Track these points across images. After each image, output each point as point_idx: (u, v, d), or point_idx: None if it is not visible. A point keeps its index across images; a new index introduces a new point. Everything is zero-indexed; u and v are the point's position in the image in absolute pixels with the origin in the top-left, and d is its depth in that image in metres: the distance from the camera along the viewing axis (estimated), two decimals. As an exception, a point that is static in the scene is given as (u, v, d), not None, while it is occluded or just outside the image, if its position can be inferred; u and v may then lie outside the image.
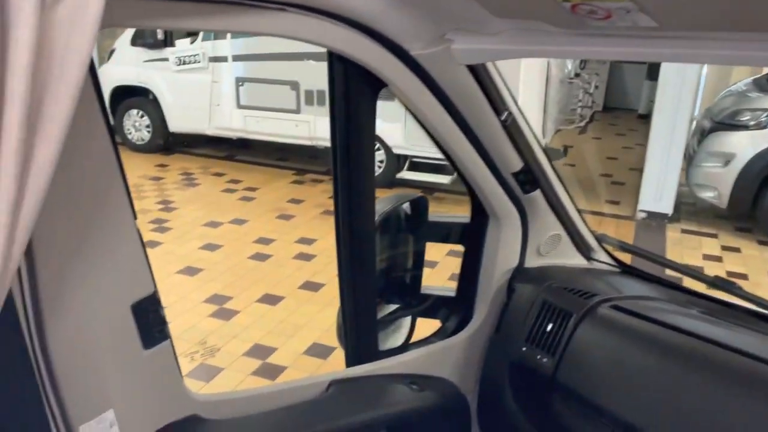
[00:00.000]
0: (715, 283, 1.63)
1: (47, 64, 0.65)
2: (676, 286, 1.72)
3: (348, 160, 1.42)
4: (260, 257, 5.43)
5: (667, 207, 6.47)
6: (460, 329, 1.78)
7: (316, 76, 7.09)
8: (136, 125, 8.45)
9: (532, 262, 1.76)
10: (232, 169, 8.09)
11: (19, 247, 0.68)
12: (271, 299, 4.66)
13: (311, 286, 4.87)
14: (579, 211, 1.78)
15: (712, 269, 5.38)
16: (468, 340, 1.75)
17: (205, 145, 8.82)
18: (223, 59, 7.63)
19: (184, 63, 7.81)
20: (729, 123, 6.26)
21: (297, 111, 7.42)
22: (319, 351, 3.97)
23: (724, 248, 5.93)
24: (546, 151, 1.65)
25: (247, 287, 4.84)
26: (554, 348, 1.53)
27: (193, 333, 4.12)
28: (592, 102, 8.71)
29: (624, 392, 1.41)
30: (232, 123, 7.83)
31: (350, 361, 1.66)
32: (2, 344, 0.96)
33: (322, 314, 4.42)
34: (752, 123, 6.12)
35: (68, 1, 0.66)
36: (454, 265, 5.41)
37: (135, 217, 1.12)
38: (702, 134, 6.50)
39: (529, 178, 1.60)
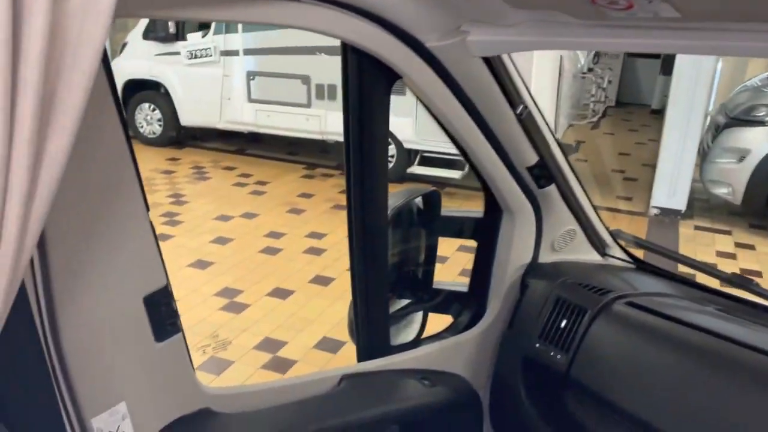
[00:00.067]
0: (732, 279, 1.61)
1: (60, 54, 0.64)
2: (691, 283, 1.70)
3: (361, 153, 1.41)
4: (271, 251, 5.43)
5: (680, 203, 6.41)
6: (473, 325, 1.76)
7: (327, 70, 7.08)
8: (148, 119, 8.47)
9: (546, 257, 1.74)
10: (242, 163, 8.10)
11: (32, 238, 0.67)
12: (281, 293, 4.66)
13: (321, 281, 4.87)
14: (594, 207, 1.76)
15: (725, 266, 5.32)
16: (480, 335, 1.74)
17: (216, 138, 8.83)
18: (235, 53, 7.63)
19: (196, 57, 7.82)
20: (744, 118, 6.19)
21: (308, 105, 7.42)
22: (329, 345, 3.97)
23: (738, 245, 5.87)
24: (561, 145, 1.63)
25: (257, 281, 4.85)
26: (568, 344, 1.52)
27: (203, 326, 4.13)
28: (605, 97, 8.66)
29: (639, 390, 1.39)
30: (243, 117, 7.84)
31: (362, 356, 1.65)
32: (15, 336, 0.95)
33: (332, 308, 4.42)
34: (768, 119, 6.05)
35: (81, -10, 0.65)
36: (465, 260, 5.42)
37: (147, 210, 1.11)
38: (716, 130, 6.43)
39: (544, 172, 1.58)
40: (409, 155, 7.05)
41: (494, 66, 1.33)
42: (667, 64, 9.92)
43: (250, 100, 7.72)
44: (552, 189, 1.63)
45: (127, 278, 1.11)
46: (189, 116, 8.20)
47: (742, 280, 1.58)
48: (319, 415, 1.44)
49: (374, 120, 1.38)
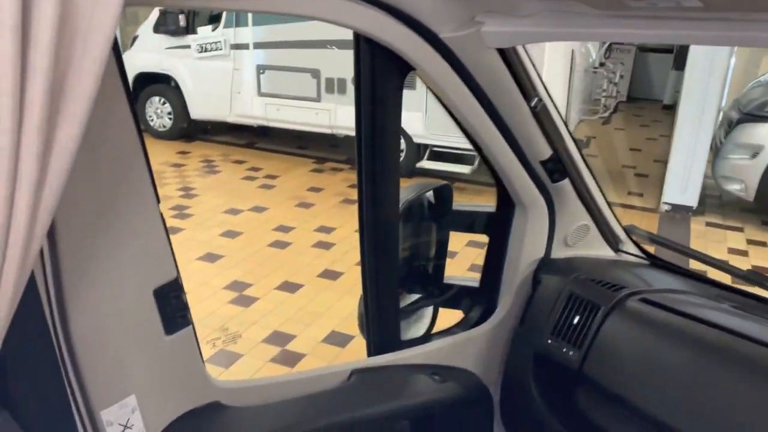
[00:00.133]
0: (748, 276, 1.58)
1: (70, 41, 0.63)
2: (706, 280, 1.68)
3: (373, 146, 1.39)
4: (280, 245, 5.43)
5: (691, 199, 6.36)
6: (484, 320, 1.75)
7: (337, 64, 7.06)
8: (158, 112, 8.49)
9: (559, 252, 1.72)
10: (252, 156, 8.10)
11: (42, 228, 0.66)
12: (290, 287, 4.66)
13: (330, 275, 4.87)
14: (608, 202, 1.73)
15: (737, 263, 5.27)
16: (491, 331, 1.72)
17: (225, 132, 8.84)
18: (245, 47, 7.63)
19: (206, 50, 7.82)
20: (758, 114, 6.12)
21: (317, 99, 7.40)
22: (337, 339, 3.97)
23: (750, 242, 5.82)
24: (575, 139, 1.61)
25: (266, 274, 4.85)
26: (581, 341, 1.50)
27: (212, 319, 4.14)
28: (617, 92, 8.58)
29: (652, 387, 1.37)
30: (252, 111, 7.84)
31: (372, 351, 1.64)
32: (25, 327, 0.95)
33: (341, 303, 4.41)
34: (782, 114, 5.99)
35: (92, -25, 0.64)
36: (474, 255, 5.39)
37: (158, 201, 1.10)
38: (729, 125, 6.37)
39: (558, 166, 1.56)
40: (418, 150, 7.03)
41: (509, 57, 1.31)
42: (679, 59, 9.83)
43: (260, 94, 7.71)
44: (566, 183, 1.61)
45: (137, 270, 1.10)
46: (199, 110, 8.21)
47: (758, 276, 1.55)
48: (329, 410, 1.44)
49: (387, 113, 1.36)
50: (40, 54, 0.60)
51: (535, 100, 1.39)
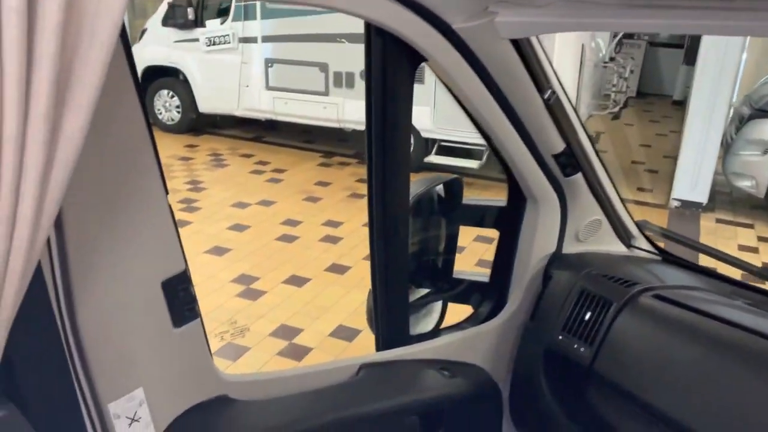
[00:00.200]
0: (762, 273, 1.56)
1: (77, 26, 0.61)
2: (719, 276, 1.65)
3: (383, 138, 1.37)
4: (287, 239, 5.43)
5: (701, 196, 6.31)
6: (493, 315, 1.73)
7: (346, 58, 7.04)
8: (167, 105, 8.49)
9: (570, 248, 1.70)
10: (260, 150, 8.10)
11: (48, 218, 0.65)
12: (297, 280, 4.66)
13: (337, 269, 4.86)
14: (620, 197, 1.71)
15: (747, 260, 5.22)
16: (501, 326, 1.70)
17: (233, 126, 8.84)
18: (253, 40, 7.61)
19: (214, 43, 7.81)
20: (770, 110, 6.07)
21: (325, 93, 7.38)
22: (344, 333, 3.96)
23: (761, 239, 5.77)
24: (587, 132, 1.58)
25: (274, 268, 4.85)
26: (592, 337, 1.48)
27: (220, 312, 4.14)
28: (627, 87, 8.52)
29: (665, 384, 1.35)
30: (260, 104, 7.83)
31: (380, 345, 1.63)
32: (31, 320, 0.94)
33: (348, 297, 4.41)
34: (795, 110, 5.92)
35: (100, -41, 0.62)
36: (482, 250, 5.36)
37: (166, 193, 1.09)
38: (740, 121, 6.31)
39: (571, 160, 1.53)
40: (426, 144, 7.00)
41: (522, 48, 1.29)
42: (690, 54, 9.74)
43: (268, 88, 7.70)
44: (578, 178, 1.58)
45: (146, 262, 1.09)
46: (207, 103, 8.20)
47: None
48: (338, 404, 1.42)
49: (398, 105, 1.34)
50: (46, 39, 0.59)
51: (549, 92, 1.37)
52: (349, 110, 7.26)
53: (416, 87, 1.40)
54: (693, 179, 6.29)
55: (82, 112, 0.63)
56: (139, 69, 8.18)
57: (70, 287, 0.99)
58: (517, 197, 1.67)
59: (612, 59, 7.70)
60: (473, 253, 4.92)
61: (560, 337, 1.55)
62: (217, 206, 6.13)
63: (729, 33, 1.01)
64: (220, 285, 4.54)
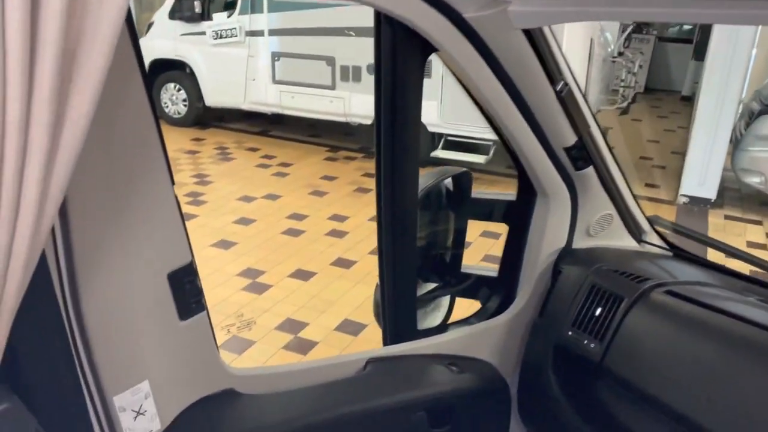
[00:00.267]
0: None
1: (83, 8, 0.60)
2: (731, 272, 1.63)
3: (392, 130, 1.36)
4: (293, 233, 5.42)
5: (710, 192, 6.27)
6: (502, 311, 1.71)
7: (352, 52, 7.01)
8: (173, 99, 8.49)
9: (581, 242, 1.68)
10: (266, 144, 8.09)
11: (53, 205, 0.63)
12: (303, 274, 4.65)
13: (343, 263, 4.85)
14: (632, 191, 1.69)
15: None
16: (510, 322, 1.68)
17: (240, 119, 8.83)
18: (260, 33, 7.59)
19: (221, 37, 7.80)
20: (780, 106, 6.02)
21: (332, 87, 7.36)
22: (350, 328, 3.95)
23: (770, 236, 5.74)
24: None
25: (279, 262, 4.84)
26: (603, 333, 1.46)
27: (225, 306, 4.14)
28: (635, 82, 8.46)
29: (677, 382, 1.33)
30: (267, 98, 7.81)
31: (388, 340, 1.61)
32: (36, 311, 0.92)
33: (354, 291, 4.39)
34: (805, 106, 5.87)
35: (106, -61, 0.60)
36: (488, 245, 5.33)
37: (173, 183, 1.07)
38: (750, 117, 6.26)
39: (583, 154, 1.51)
40: (433, 139, 6.97)
41: (535, 39, 1.26)
42: (700, 49, 9.68)
43: (275, 81, 7.68)
44: (589, 171, 1.56)
45: (152, 254, 1.08)
46: (214, 97, 8.20)
47: None
48: (345, 399, 1.41)
49: (407, 96, 1.32)
50: (51, 22, 0.57)
51: (561, 83, 1.34)
52: (355, 104, 7.24)
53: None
54: (701, 175, 6.25)
55: (88, 96, 0.61)
56: (146, 62, 8.16)
57: (75, 278, 0.98)
58: (527, 191, 1.64)
59: (621, 54, 7.64)
60: (480, 248, 4.90)
61: (570, 333, 1.53)
62: (223, 200, 6.13)
63: (743, 22, 0.99)
64: (226, 278, 4.54)
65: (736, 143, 6.28)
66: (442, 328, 1.78)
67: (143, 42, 8.26)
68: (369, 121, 7.28)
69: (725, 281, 1.59)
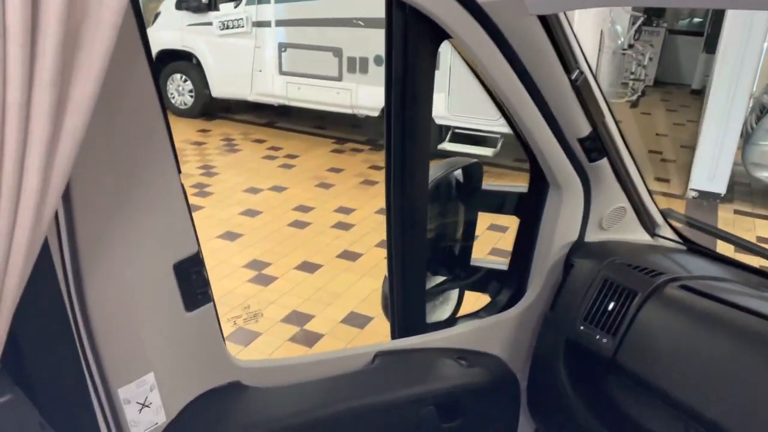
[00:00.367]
0: None
1: (86, -13, 0.57)
2: (747, 267, 1.59)
3: (403, 119, 1.33)
4: (299, 225, 5.41)
5: (720, 186, 6.21)
6: (512, 304, 1.69)
7: (359, 42, 6.97)
8: (179, 90, 8.47)
9: (593, 236, 1.65)
10: (272, 135, 8.06)
11: (55, 193, 0.61)
12: (309, 267, 4.64)
13: (349, 256, 4.83)
14: (645, 184, 1.65)
15: (766, 252, 5.14)
16: (520, 316, 1.66)
17: (246, 111, 8.81)
18: (266, 24, 7.56)
19: (228, 27, 7.76)
20: (792, 100, 5.96)
21: (339, 78, 7.32)
22: (356, 320, 3.94)
23: (780, 231, 5.69)
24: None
25: (285, 254, 4.83)
26: (615, 328, 1.43)
27: (231, 297, 4.13)
28: (645, 75, 8.38)
29: (691, 378, 1.30)
30: (273, 89, 7.78)
31: (396, 333, 1.59)
32: (39, 301, 0.90)
33: (360, 284, 4.38)
34: (818, 100, 5.81)
35: None
36: (495, 239, 5.29)
37: (179, 171, 1.05)
38: (761, 111, 6.21)
39: (597, 145, 1.47)
40: (440, 131, 6.93)
41: (551, 25, 1.23)
42: (710, 42, 9.59)
43: (281, 73, 7.65)
44: (603, 163, 1.53)
45: (157, 244, 1.06)
46: (220, 88, 8.17)
47: None
48: (353, 393, 1.39)
49: (419, 84, 1.29)
50: (52, 3, 0.54)
51: (576, 72, 1.31)
52: (362, 96, 7.20)
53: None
54: (711, 169, 6.20)
55: (92, 78, 0.59)
56: (153, 53, 8.14)
57: (79, 268, 0.96)
58: (539, 183, 1.61)
59: (631, 46, 7.57)
60: (487, 242, 4.87)
61: (581, 328, 1.50)
62: (229, 191, 6.12)
63: (756, 7, 0.95)
64: (232, 270, 4.52)
65: (746, 137, 6.22)
66: (451, 321, 1.76)
67: (150, 32, 8.21)
68: (376, 113, 7.24)
69: (740, 276, 1.56)
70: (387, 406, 1.40)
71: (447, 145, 6.87)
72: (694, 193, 6.32)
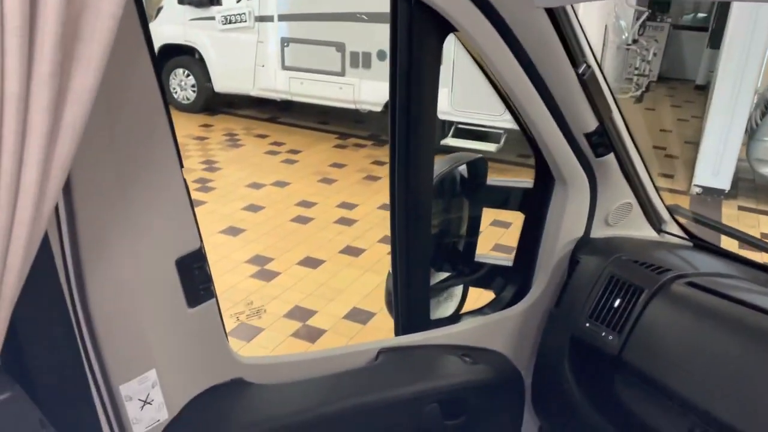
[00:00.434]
0: None
1: (85, -25, 0.56)
2: (754, 263, 1.58)
3: (408, 113, 1.31)
4: (302, 220, 5.40)
5: (724, 182, 6.19)
6: (516, 301, 1.67)
7: (362, 37, 6.94)
8: (182, 84, 8.45)
9: (599, 232, 1.63)
10: (275, 131, 8.05)
11: (55, 186, 0.60)
12: (312, 262, 4.63)
13: (352, 251, 4.82)
14: (652, 179, 1.64)
15: (771, 249, 5.12)
16: (525, 312, 1.65)
17: (248, 106, 8.79)
18: (269, 19, 7.53)
19: (230, 22, 7.74)
20: (797, 95, 5.93)
21: (342, 73, 7.30)
22: (359, 316, 3.93)
23: (785, 227, 5.66)
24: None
25: (288, 249, 4.82)
26: (621, 325, 1.42)
27: (233, 293, 4.13)
28: (649, 70, 8.35)
29: (698, 375, 1.29)
30: (276, 84, 7.76)
31: (400, 330, 1.58)
32: (39, 297, 0.89)
33: (363, 279, 4.37)
34: (823, 96, 5.77)
35: None
36: (498, 234, 5.27)
37: (181, 165, 1.04)
38: (766, 107, 6.17)
39: (604, 140, 1.46)
40: (443, 126, 6.91)
41: (558, 18, 1.21)
42: (715, 38, 9.54)
43: (284, 68, 7.63)
44: (610, 158, 1.51)
45: (159, 239, 1.04)
46: (223, 82, 8.15)
47: None
48: (356, 390, 1.38)
49: (424, 77, 1.28)
50: (51, -10, 0.53)
51: (584, 66, 1.29)
52: (365, 91, 7.18)
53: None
54: (715, 165, 6.17)
55: (92, 69, 0.57)
56: (155, 47, 8.12)
57: (80, 264, 0.95)
58: (545, 178, 1.60)
59: (635, 41, 7.53)
60: (489, 238, 4.85)
61: (587, 325, 1.49)
62: (231, 186, 6.11)
63: None
64: (234, 265, 4.52)
65: (751, 133, 6.19)
66: (455, 318, 1.74)
67: (152, 27, 8.19)
68: (379, 108, 7.22)
69: (747, 272, 1.55)
70: (391, 403, 1.39)
71: (450, 141, 6.85)
72: (698, 189, 6.30)
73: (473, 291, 1.87)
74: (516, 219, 1.74)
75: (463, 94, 6.47)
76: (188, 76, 8.38)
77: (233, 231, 5.10)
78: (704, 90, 10.40)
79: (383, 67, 6.87)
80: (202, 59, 8.17)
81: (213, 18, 7.83)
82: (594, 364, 1.49)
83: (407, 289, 1.54)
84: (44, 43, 0.54)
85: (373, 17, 6.62)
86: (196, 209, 1.10)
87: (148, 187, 1.00)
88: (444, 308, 1.80)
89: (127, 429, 1.08)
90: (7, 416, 0.75)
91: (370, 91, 7.11)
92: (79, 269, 0.95)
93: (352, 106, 7.47)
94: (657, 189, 1.67)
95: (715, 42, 8.79)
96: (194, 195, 5.66)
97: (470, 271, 1.81)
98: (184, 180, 1.05)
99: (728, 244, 1.98)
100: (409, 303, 1.57)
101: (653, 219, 1.68)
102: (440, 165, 1.64)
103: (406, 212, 1.46)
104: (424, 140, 1.38)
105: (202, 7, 7.86)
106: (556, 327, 1.59)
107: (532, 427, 1.74)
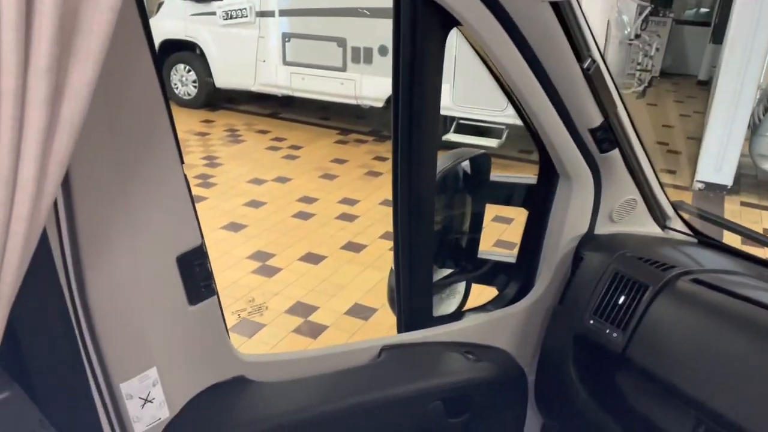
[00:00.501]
0: None
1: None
2: (760, 260, 1.57)
3: (410, 109, 1.30)
4: (303, 216, 5.39)
5: (726, 178, 6.17)
6: (520, 298, 1.66)
7: (364, 33, 6.92)
8: (183, 80, 8.44)
9: (603, 228, 1.62)
10: (276, 126, 8.03)
11: (53, 182, 0.59)
12: (313, 258, 4.62)
13: (353, 247, 4.81)
14: (657, 175, 1.62)
15: (773, 245, 5.11)
16: (528, 309, 1.63)
17: (250, 101, 8.77)
18: (270, 14, 7.50)
19: (231, 17, 7.71)
20: (800, 91, 5.90)
21: (343, 69, 7.28)
22: (360, 312, 3.92)
23: (787, 223, 5.65)
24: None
25: (289, 245, 4.81)
26: (625, 322, 1.41)
27: (235, 289, 4.12)
28: (651, 66, 8.32)
29: (704, 373, 1.28)
30: (277, 80, 7.74)
31: (402, 327, 1.57)
32: (38, 295, 0.88)
33: (364, 275, 4.36)
34: (826, 91, 5.75)
35: None
36: (500, 230, 5.25)
37: (182, 161, 1.02)
38: (770, 102, 6.14)
39: (608, 135, 1.44)
40: (444, 122, 6.89)
41: (563, 12, 1.20)
42: (718, 32, 9.51)
43: (285, 63, 7.61)
44: (615, 154, 1.50)
45: (160, 236, 1.03)
46: (224, 78, 8.14)
47: None
48: (359, 387, 1.37)
49: (427, 72, 1.26)
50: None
51: (588, 61, 1.28)
52: (366, 87, 7.16)
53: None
54: (718, 161, 6.15)
55: (90, 62, 0.56)
56: (156, 43, 8.09)
57: (79, 261, 0.93)
58: (549, 174, 1.59)
59: (637, 36, 7.50)
60: (491, 234, 4.84)
61: (591, 322, 1.48)
62: (233, 182, 6.10)
63: None
64: (236, 261, 4.51)
65: (754, 128, 6.17)
66: (458, 315, 1.73)
67: (153, 22, 8.19)
68: (380, 104, 7.20)
69: (752, 269, 1.54)
70: (393, 400, 1.38)
71: (452, 136, 6.83)
72: (700, 185, 6.28)
73: (476, 288, 1.86)
74: (518, 215, 1.73)
75: (464, 90, 6.45)
76: (189, 71, 8.36)
77: (234, 227, 5.09)
78: (707, 85, 10.37)
79: (385, 63, 6.85)
80: (203, 54, 8.15)
81: (214, 13, 7.80)
82: (598, 361, 1.48)
83: (410, 286, 1.53)
84: (41, 36, 0.53)
85: (375, 12, 6.60)
86: (197, 205, 1.08)
87: (149, 183, 0.99)
88: (447, 305, 1.79)
89: (127, 427, 1.07)
90: (6, 416, 0.74)
91: (372, 86, 7.09)
92: (79, 266, 0.94)
93: (353, 102, 7.45)
94: (662, 185, 1.65)
95: (718, 37, 8.76)
96: (195, 191, 5.64)
97: (473, 267, 1.80)
98: (185, 176, 1.04)
99: (732, 240, 1.97)
100: (411, 300, 1.56)
101: (658, 215, 1.67)
102: (443, 161, 1.63)
103: (409, 208, 1.45)
104: (427, 135, 1.37)
105: (203, 2, 7.84)
106: (560, 324, 1.58)
107: (536, 425, 1.73)
